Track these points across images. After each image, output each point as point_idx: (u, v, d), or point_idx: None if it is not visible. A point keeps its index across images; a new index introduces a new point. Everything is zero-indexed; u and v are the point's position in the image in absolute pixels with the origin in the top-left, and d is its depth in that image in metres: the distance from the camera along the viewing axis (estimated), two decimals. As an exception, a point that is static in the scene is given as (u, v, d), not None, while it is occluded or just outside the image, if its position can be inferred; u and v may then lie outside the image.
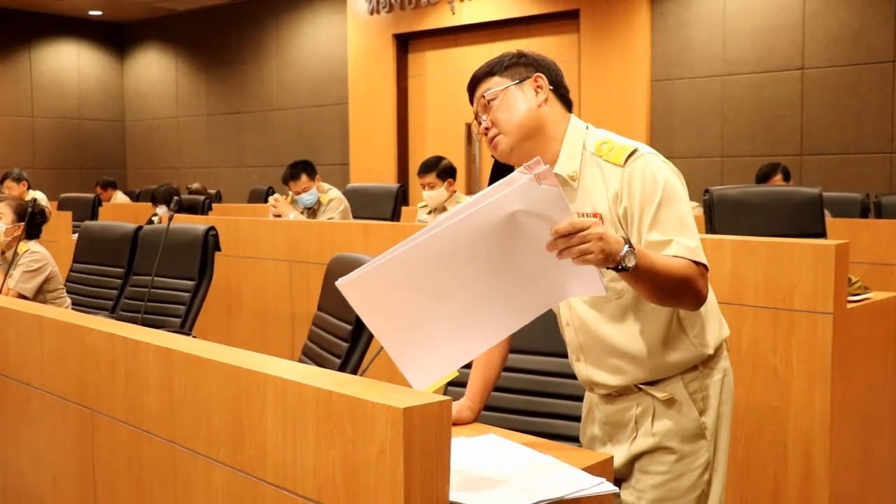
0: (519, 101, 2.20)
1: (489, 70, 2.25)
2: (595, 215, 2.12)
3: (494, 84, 2.23)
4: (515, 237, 1.79)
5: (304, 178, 6.17)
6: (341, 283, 1.79)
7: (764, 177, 6.64)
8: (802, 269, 3.12)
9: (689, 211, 2.11)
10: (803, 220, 4.39)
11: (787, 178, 6.63)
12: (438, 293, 1.83)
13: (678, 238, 2.04)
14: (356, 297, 1.82)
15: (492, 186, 1.77)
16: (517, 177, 1.74)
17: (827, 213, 5.02)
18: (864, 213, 6.29)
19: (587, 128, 2.23)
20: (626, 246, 1.85)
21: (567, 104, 2.26)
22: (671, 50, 9.18)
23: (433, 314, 1.85)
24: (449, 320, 1.87)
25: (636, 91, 9.25)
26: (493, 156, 2.28)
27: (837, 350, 3.09)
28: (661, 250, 2.03)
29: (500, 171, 2.28)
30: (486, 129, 2.23)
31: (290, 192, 6.37)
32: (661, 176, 2.08)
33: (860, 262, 4.84)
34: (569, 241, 1.77)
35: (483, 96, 2.23)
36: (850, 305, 3.21)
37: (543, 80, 2.22)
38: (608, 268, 1.86)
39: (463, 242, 1.77)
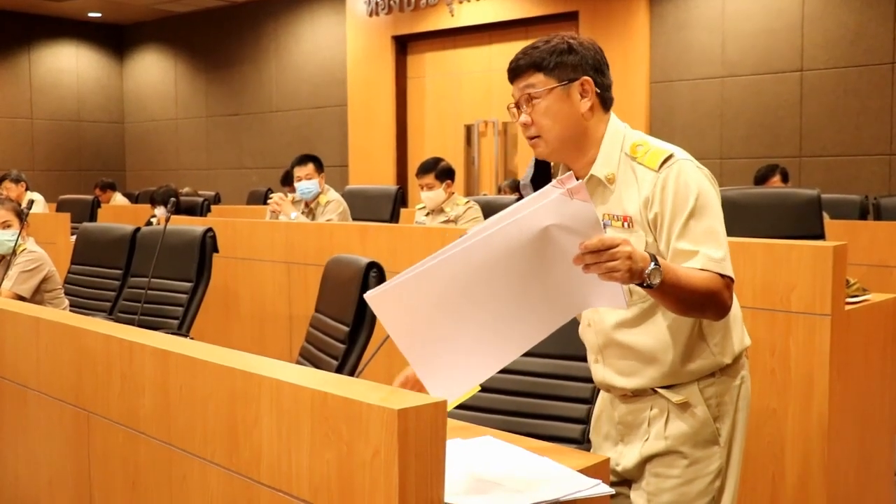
0: (562, 106, 2.14)
1: (535, 64, 2.15)
2: (625, 218, 2.12)
3: (539, 82, 2.15)
4: (545, 250, 1.79)
5: (311, 165, 6.16)
6: (369, 297, 1.79)
7: (762, 178, 6.64)
8: (800, 270, 3.11)
9: (719, 221, 2.10)
10: (802, 221, 4.39)
11: (785, 179, 6.63)
12: (465, 306, 1.83)
13: (705, 249, 2.04)
14: (383, 310, 1.81)
15: (524, 200, 1.78)
16: (550, 191, 1.75)
17: (825, 214, 5.02)
18: (862, 215, 6.29)
19: (625, 127, 2.21)
20: (652, 264, 1.87)
21: (607, 105, 2.21)
22: (670, 52, 9.18)
23: (460, 327, 1.85)
24: (474, 333, 1.87)
25: (635, 93, 9.25)
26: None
27: (835, 352, 3.08)
28: (687, 260, 2.04)
29: (541, 161, 2.28)
30: (526, 124, 2.18)
31: (290, 194, 6.36)
32: (694, 184, 2.08)
33: (859, 264, 4.84)
34: (598, 258, 1.79)
35: (527, 92, 2.16)
36: (848, 307, 3.20)
37: (590, 85, 2.16)
38: (634, 283, 1.88)
39: (493, 255, 1.78)
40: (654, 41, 9.27)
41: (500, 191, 9.60)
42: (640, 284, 1.89)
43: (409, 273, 1.76)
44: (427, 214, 5.92)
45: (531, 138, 2.19)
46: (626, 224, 2.13)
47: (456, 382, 1.92)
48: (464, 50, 10.86)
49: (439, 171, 5.81)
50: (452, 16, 10.63)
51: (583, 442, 2.45)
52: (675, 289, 1.95)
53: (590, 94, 2.16)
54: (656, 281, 1.88)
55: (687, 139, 9.03)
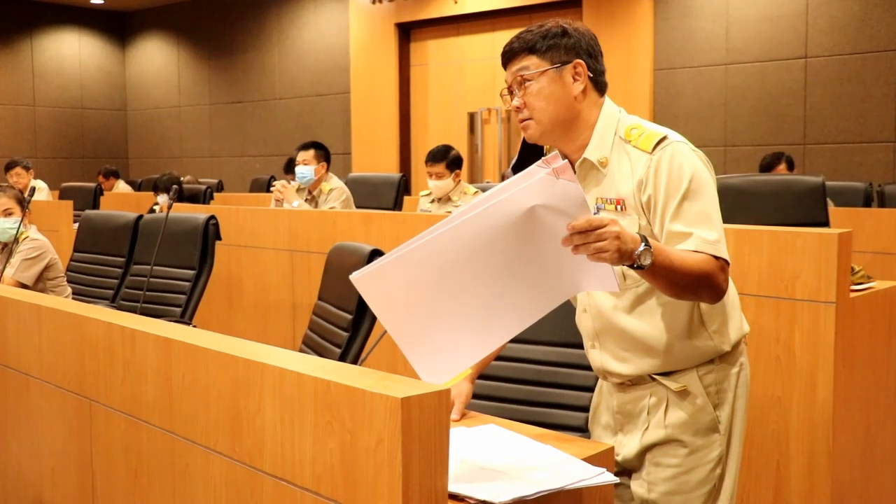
0: (555, 88, 2.14)
1: (528, 47, 2.15)
2: (619, 201, 2.11)
3: (532, 64, 2.14)
4: (532, 231, 1.78)
5: (311, 151, 6.15)
6: (355, 278, 1.78)
7: (768, 166, 6.62)
8: (805, 258, 3.10)
9: (714, 203, 2.08)
10: (806, 209, 4.37)
11: (791, 167, 6.61)
12: (453, 288, 1.82)
13: (699, 231, 2.02)
14: (369, 292, 1.80)
15: (509, 180, 1.76)
16: (535, 171, 1.74)
17: (830, 202, 5.00)
18: (867, 203, 6.27)
19: (619, 112, 2.20)
20: (643, 245, 1.85)
21: (601, 89, 2.21)
22: (674, 39, 9.14)
23: (447, 309, 1.84)
24: (463, 315, 1.86)
25: (639, 80, 9.21)
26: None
27: (840, 339, 3.07)
28: (681, 242, 2.02)
29: (529, 148, 2.27)
30: (518, 108, 2.17)
31: (293, 182, 6.35)
32: (688, 166, 2.06)
33: (863, 252, 4.82)
34: (585, 238, 1.78)
35: (519, 74, 2.15)
36: (852, 294, 3.19)
37: (583, 68, 2.15)
38: (624, 265, 1.86)
39: (479, 236, 1.77)
40: (657, 28, 9.22)
41: (503, 178, 9.57)
42: (632, 266, 1.87)
43: (395, 254, 1.75)
44: (432, 202, 5.91)
45: (523, 121, 2.18)
46: (619, 207, 2.11)
47: (445, 365, 1.91)
48: (467, 37, 10.82)
49: (450, 160, 5.79)
50: (456, 3, 10.59)
51: (586, 430, 2.44)
52: (667, 271, 1.93)
53: (582, 77, 2.15)
54: (647, 262, 1.86)
55: (690, 126, 9.00)
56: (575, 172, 2.16)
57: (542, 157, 1.75)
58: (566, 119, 2.15)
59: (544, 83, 2.13)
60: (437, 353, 1.87)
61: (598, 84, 2.20)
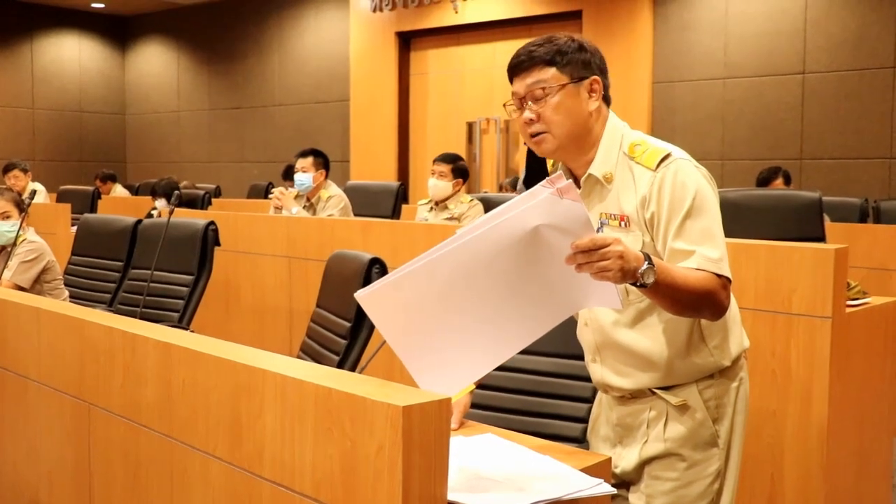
0: (574, 103, 2.12)
1: (549, 59, 2.12)
2: (622, 217, 2.11)
3: (552, 78, 2.11)
4: (536, 250, 1.79)
5: (310, 159, 6.17)
6: (360, 296, 1.78)
7: (765, 181, 6.65)
8: (801, 272, 3.12)
9: (717, 221, 2.08)
10: (802, 224, 4.39)
11: (787, 182, 6.64)
12: (457, 305, 1.82)
13: (702, 249, 2.03)
14: (374, 310, 1.81)
15: (513, 200, 1.77)
16: (539, 191, 1.75)
17: (826, 217, 5.02)
18: (863, 218, 6.29)
19: (624, 127, 2.20)
20: (646, 263, 1.85)
21: (607, 104, 2.20)
22: (673, 52, 9.17)
23: (451, 326, 1.85)
24: (467, 332, 1.87)
25: (637, 93, 9.24)
26: (529, 147, 2.21)
27: (836, 354, 3.08)
28: (683, 260, 2.02)
29: (534, 160, 2.26)
30: (531, 120, 2.13)
31: (291, 189, 6.36)
32: (692, 184, 2.06)
33: (859, 267, 4.84)
34: (589, 257, 1.78)
35: (540, 88, 2.11)
36: (848, 310, 3.21)
37: (599, 85, 2.15)
38: (627, 283, 1.87)
39: (483, 255, 1.78)
40: (656, 41, 9.26)
41: (501, 188, 9.59)
42: (634, 284, 1.88)
43: (400, 272, 1.76)
44: (430, 210, 5.93)
45: (536, 135, 2.14)
46: (622, 223, 2.12)
47: (449, 381, 1.91)
48: (467, 47, 10.84)
49: (457, 167, 5.88)
50: (456, 13, 10.62)
51: (583, 441, 2.45)
52: (669, 289, 1.94)
53: (598, 94, 2.15)
54: (650, 280, 1.87)
55: (688, 140, 9.02)
56: (580, 187, 2.18)
57: (547, 177, 1.76)
58: (580, 134, 2.14)
59: (564, 97, 2.11)
60: (440, 370, 1.88)
61: (606, 100, 2.20)
